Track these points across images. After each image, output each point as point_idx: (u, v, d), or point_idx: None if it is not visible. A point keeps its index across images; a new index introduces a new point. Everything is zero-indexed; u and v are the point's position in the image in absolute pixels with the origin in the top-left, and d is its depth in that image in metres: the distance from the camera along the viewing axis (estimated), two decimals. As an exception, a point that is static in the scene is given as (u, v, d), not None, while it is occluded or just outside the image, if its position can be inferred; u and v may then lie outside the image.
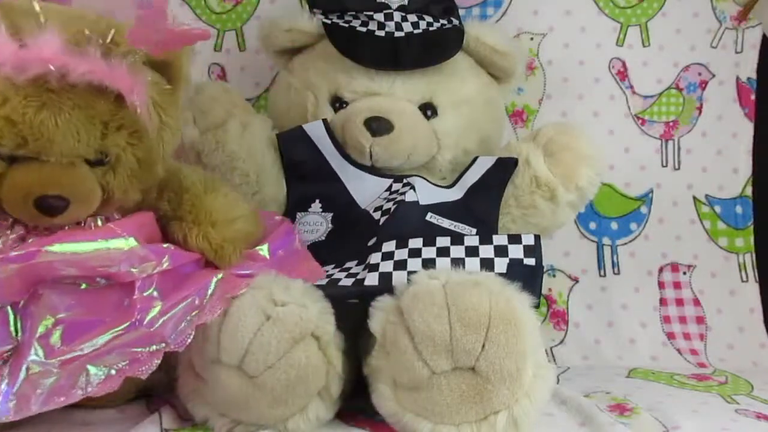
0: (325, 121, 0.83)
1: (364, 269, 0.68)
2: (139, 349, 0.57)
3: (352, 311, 0.62)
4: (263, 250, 0.68)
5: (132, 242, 0.59)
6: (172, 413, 0.64)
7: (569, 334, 0.99)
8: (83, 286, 0.59)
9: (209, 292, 0.60)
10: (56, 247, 0.56)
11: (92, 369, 0.56)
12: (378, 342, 0.59)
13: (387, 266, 0.67)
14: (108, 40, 0.57)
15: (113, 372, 0.56)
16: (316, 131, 0.83)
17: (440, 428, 0.57)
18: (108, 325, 0.57)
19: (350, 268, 0.70)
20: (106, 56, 0.56)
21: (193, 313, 0.58)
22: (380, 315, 0.59)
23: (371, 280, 0.65)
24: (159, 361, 0.57)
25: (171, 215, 0.67)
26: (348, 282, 0.67)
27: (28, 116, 0.55)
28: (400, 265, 0.66)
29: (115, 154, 0.59)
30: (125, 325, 0.57)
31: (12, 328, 0.57)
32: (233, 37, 1.03)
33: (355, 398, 0.64)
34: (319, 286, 0.64)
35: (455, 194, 0.80)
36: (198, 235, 0.64)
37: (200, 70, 1.01)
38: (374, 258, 0.68)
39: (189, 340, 0.57)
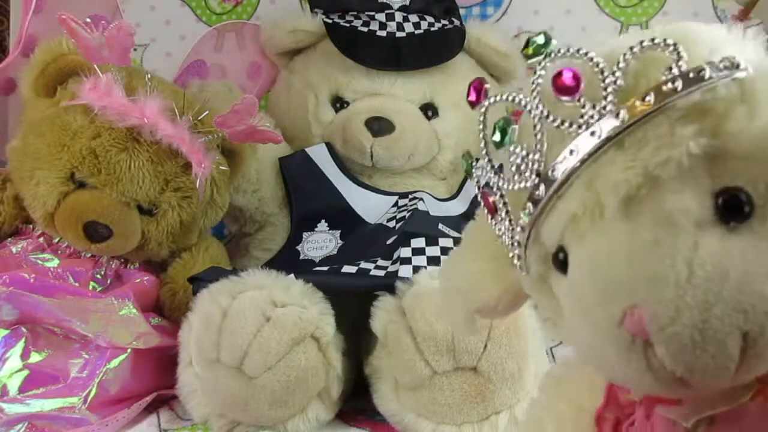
0: (328, 144, 0.83)
1: (394, 263, 0.67)
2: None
3: (352, 311, 0.61)
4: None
5: (131, 309, 0.65)
6: (170, 413, 0.64)
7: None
8: None
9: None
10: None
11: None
12: (380, 342, 0.59)
13: (420, 260, 0.66)
14: (198, 118, 0.67)
15: None
16: (319, 154, 0.83)
17: (442, 428, 0.57)
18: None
19: (377, 260, 0.69)
20: (191, 129, 0.66)
21: None
22: (382, 315, 0.59)
23: (405, 272, 0.64)
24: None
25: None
26: (379, 273, 0.67)
27: (110, 154, 0.64)
28: (434, 261, 0.66)
29: (164, 209, 0.68)
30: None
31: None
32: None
33: (356, 398, 0.64)
34: (326, 275, 0.63)
35: (459, 207, 0.80)
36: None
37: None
38: (405, 252, 0.67)
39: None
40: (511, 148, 0.29)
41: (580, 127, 0.27)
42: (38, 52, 0.67)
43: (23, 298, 0.61)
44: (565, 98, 0.27)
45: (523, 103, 0.29)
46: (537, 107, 0.28)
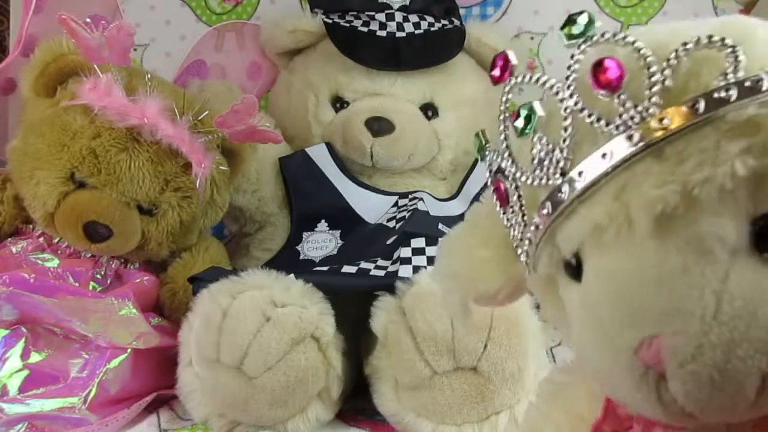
0: (328, 144, 0.83)
1: (394, 263, 0.67)
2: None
3: (352, 311, 0.61)
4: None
5: (131, 309, 0.65)
6: (170, 413, 0.64)
7: (570, 335, 0.98)
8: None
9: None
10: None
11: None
12: (380, 342, 0.59)
13: (420, 260, 0.66)
14: (198, 118, 0.67)
15: None
16: (319, 154, 0.83)
17: (442, 428, 0.57)
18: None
19: (377, 260, 0.69)
20: (191, 129, 0.66)
21: None
22: (382, 315, 0.59)
23: (405, 272, 0.64)
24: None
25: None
26: (379, 273, 0.66)
27: (110, 154, 0.64)
28: (433, 261, 0.65)
29: (164, 209, 0.68)
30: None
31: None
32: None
33: (356, 398, 0.64)
34: (326, 275, 0.63)
35: (459, 207, 0.80)
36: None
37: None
38: (405, 252, 0.67)
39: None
40: (535, 139, 0.27)
41: (617, 127, 0.24)
42: (38, 52, 0.67)
43: (23, 298, 0.61)
44: (604, 92, 0.24)
45: (555, 89, 0.26)
46: (571, 97, 0.26)
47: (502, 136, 0.29)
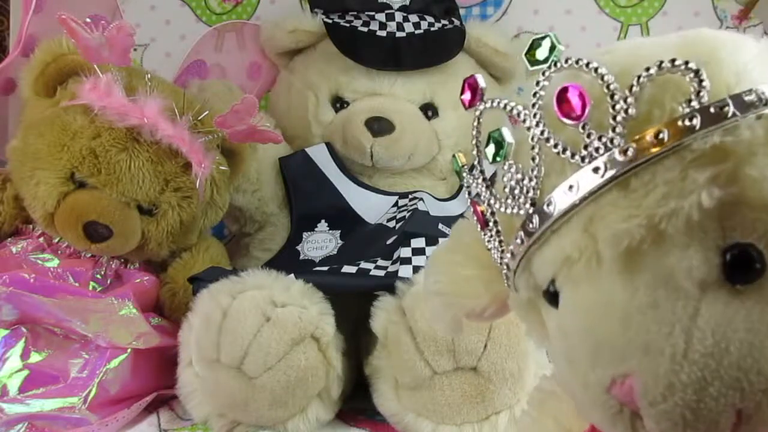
0: (328, 144, 0.83)
1: (394, 263, 0.67)
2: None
3: (352, 311, 0.61)
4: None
5: (131, 309, 0.65)
6: (170, 413, 0.64)
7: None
8: None
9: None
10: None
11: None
12: (380, 342, 0.59)
13: (420, 261, 0.66)
14: (198, 118, 0.67)
15: None
16: (319, 154, 0.83)
17: (442, 428, 0.57)
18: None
19: (377, 260, 0.69)
20: (191, 129, 0.66)
21: None
22: (382, 315, 0.59)
23: (405, 272, 0.63)
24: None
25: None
26: (379, 273, 0.66)
27: (110, 154, 0.64)
28: None
29: (164, 209, 0.68)
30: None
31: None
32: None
33: (356, 398, 0.64)
34: (326, 275, 0.63)
35: (459, 207, 0.80)
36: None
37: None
38: (405, 252, 0.67)
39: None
40: (505, 167, 0.27)
41: (583, 159, 0.24)
42: (38, 52, 0.67)
43: (23, 298, 0.61)
44: (568, 122, 0.24)
45: (522, 116, 0.26)
46: (537, 125, 0.25)
47: (476, 161, 0.29)
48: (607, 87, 0.24)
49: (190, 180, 0.67)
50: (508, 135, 0.26)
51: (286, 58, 0.91)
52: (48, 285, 0.63)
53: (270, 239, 0.84)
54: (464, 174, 0.30)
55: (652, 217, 0.22)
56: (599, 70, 0.24)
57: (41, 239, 0.68)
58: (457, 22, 0.88)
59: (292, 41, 0.88)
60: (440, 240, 0.68)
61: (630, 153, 0.23)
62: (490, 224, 0.29)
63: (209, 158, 0.67)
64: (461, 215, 0.80)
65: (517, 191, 0.26)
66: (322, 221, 0.81)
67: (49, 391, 0.60)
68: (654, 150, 0.23)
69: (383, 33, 0.82)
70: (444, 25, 0.86)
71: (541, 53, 0.26)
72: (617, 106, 0.23)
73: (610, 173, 0.23)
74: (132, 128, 0.64)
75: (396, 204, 0.79)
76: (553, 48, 0.26)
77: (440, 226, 0.74)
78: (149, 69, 0.83)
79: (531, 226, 0.26)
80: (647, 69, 0.23)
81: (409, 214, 0.75)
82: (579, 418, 0.31)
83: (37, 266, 0.66)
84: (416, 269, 0.63)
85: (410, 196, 0.79)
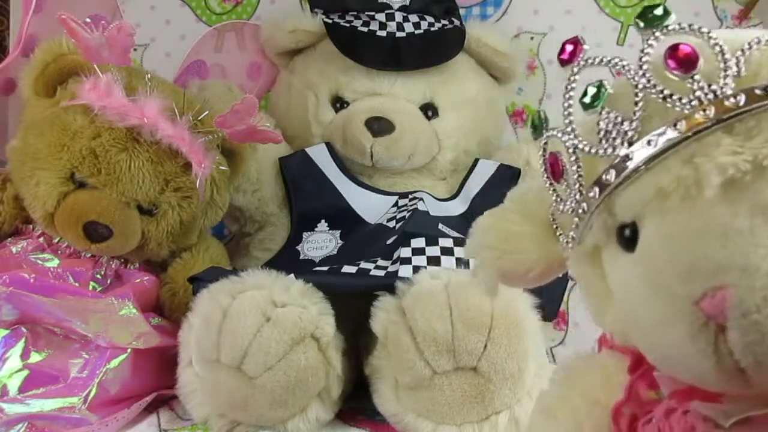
0: (328, 144, 0.83)
1: (394, 263, 0.67)
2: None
3: (352, 311, 0.61)
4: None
5: (131, 309, 0.65)
6: (170, 413, 0.64)
7: (569, 334, 0.98)
8: None
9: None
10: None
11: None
12: (380, 342, 0.59)
13: (420, 260, 0.66)
14: (198, 118, 0.67)
15: None
16: (319, 154, 0.83)
17: (442, 428, 0.57)
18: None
19: (377, 260, 0.69)
20: (191, 129, 0.66)
21: None
22: (382, 314, 0.59)
23: (405, 272, 0.64)
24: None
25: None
26: (379, 273, 0.66)
27: (110, 154, 0.64)
28: (434, 261, 0.66)
29: (164, 209, 0.68)
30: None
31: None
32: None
33: (356, 398, 0.64)
34: (326, 275, 0.63)
35: (459, 207, 0.80)
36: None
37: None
38: (405, 252, 0.67)
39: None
40: (603, 112, 0.29)
41: (690, 103, 0.26)
42: (38, 52, 0.67)
43: (23, 298, 0.61)
44: (679, 72, 0.26)
45: (626, 68, 0.28)
46: (643, 76, 0.27)
47: (566, 112, 0.30)
48: (719, 47, 0.26)
49: (190, 180, 0.67)
50: (608, 85, 0.29)
51: (286, 58, 0.91)
52: (48, 285, 0.63)
53: (270, 239, 0.84)
54: (544, 126, 0.32)
55: (756, 155, 0.25)
56: (710, 34, 0.26)
57: (41, 239, 0.68)
58: (457, 22, 0.88)
59: (292, 41, 0.88)
60: (440, 240, 0.68)
61: (739, 99, 0.25)
62: (572, 169, 0.30)
63: (209, 158, 0.67)
64: (461, 215, 0.80)
65: (614, 133, 0.28)
66: (322, 221, 0.81)
67: (49, 391, 0.60)
68: (762, 97, 0.25)
69: (383, 33, 0.82)
70: (444, 25, 0.86)
71: (659, 11, 0.28)
72: (728, 62, 0.26)
73: (717, 116, 0.26)
74: (132, 128, 0.64)
75: (396, 204, 0.80)
76: (665, 14, 0.28)
77: (440, 226, 0.74)
78: (149, 69, 0.83)
79: (627, 163, 0.27)
80: (757, 38, 0.26)
81: (409, 214, 0.75)
82: (609, 391, 0.33)
83: (37, 266, 0.66)
84: (416, 269, 0.63)
85: (410, 196, 0.79)
